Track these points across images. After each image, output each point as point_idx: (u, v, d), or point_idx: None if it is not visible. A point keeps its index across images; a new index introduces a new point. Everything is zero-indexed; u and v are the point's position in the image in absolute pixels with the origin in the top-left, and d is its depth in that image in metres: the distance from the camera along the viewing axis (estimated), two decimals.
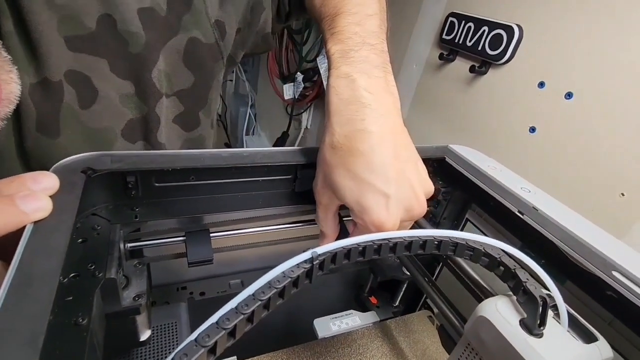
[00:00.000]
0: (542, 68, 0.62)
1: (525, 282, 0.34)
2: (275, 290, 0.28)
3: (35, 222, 0.27)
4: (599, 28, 0.54)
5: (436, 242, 0.39)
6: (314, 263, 0.32)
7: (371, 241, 0.35)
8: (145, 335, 0.38)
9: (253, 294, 0.27)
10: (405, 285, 0.64)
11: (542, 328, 0.32)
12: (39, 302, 0.22)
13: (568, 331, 0.34)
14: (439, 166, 0.56)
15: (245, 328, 0.27)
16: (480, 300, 0.47)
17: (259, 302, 0.27)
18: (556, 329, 0.33)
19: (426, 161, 0.55)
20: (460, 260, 0.48)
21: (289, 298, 0.31)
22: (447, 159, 0.53)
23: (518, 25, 0.64)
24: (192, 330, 0.47)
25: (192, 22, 0.42)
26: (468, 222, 0.59)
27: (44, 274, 0.24)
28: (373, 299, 0.67)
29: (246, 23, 0.49)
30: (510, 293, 0.37)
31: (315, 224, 0.52)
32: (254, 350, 0.49)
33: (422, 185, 0.39)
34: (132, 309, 0.34)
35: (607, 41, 0.53)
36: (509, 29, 0.65)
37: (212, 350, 0.24)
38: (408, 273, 0.61)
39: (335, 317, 0.59)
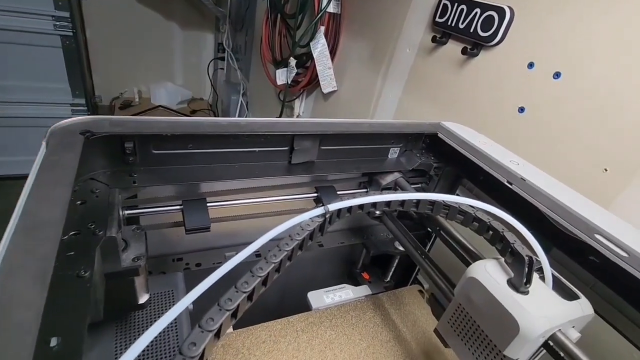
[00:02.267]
0: (532, 49, 0.64)
1: (513, 243, 0.36)
2: (297, 242, 0.30)
3: (38, 176, 0.27)
4: (587, 9, 0.56)
5: (429, 204, 0.41)
6: (327, 217, 0.34)
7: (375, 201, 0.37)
8: (143, 298, 0.38)
9: (279, 246, 0.30)
10: (397, 261, 0.65)
11: (527, 286, 0.34)
12: (45, 244, 0.23)
13: (552, 290, 0.36)
14: (432, 142, 0.58)
15: (274, 277, 0.29)
16: (467, 264, 0.48)
17: (285, 253, 0.29)
18: (541, 288, 0.35)
19: (419, 137, 0.57)
20: (452, 229, 0.49)
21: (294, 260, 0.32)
22: (440, 135, 0.55)
23: (509, 7, 0.66)
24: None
25: None
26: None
27: (48, 220, 0.24)
28: (365, 275, 0.68)
29: None
30: (499, 256, 0.38)
31: (310, 197, 0.52)
32: (248, 321, 0.50)
33: None
34: (132, 270, 0.34)
35: (595, 21, 0.55)
36: (500, 11, 0.66)
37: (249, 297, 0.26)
38: (400, 248, 0.63)
39: (329, 290, 0.60)
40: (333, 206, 0.36)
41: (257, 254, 0.55)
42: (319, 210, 0.35)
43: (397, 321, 0.58)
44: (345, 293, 0.61)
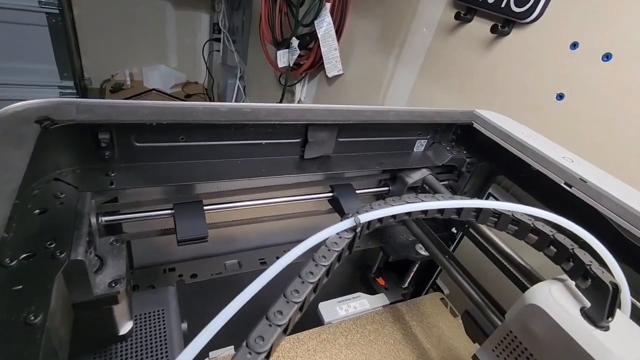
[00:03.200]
0: (576, 26, 0.55)
1: (589, 265, 0.29)
2: (324, 268, 0.23)
3: None
4: None
5: (474, 211, 0.34)
6: (357, 231, 0.27)
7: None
8: (125, 328, 0.31)
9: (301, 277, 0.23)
10: (416, 266, 0.58)
11: (609, 320, 0.27)
12: None
13: (634, 323, 0.29)
14: (463, 133, 0.50)
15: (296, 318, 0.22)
16: (514, 280, 0.41)
17: (310, 286, 0.22)
18: (623, 321, 0.28)
19: (449, 127, 0.49)
20: (487, 231, 0.42)
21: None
22: (475, 125, 0.47)
23: None
24: (183, 318, 0.40)
25: None
26: (490, 197, 0.54)
27: None
28: (380, 280, 0.62)
29: None
30: (563, 277, 0.31)
31: (324, 197, 0.45)
32: None
33: None
34: (108, 298, 0.27)
35: None
36: None
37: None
38: (423, 253, 0.56)
39: (342, 301, 0.53)
40: (364, 217, 0.28)
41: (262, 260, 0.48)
42: (348, 223, 0.28)
43: (420, 336, 0.51)
44: (360, 303, 0.54)
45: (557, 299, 0.29)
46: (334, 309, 0.52)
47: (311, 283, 0.24)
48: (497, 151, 0.45)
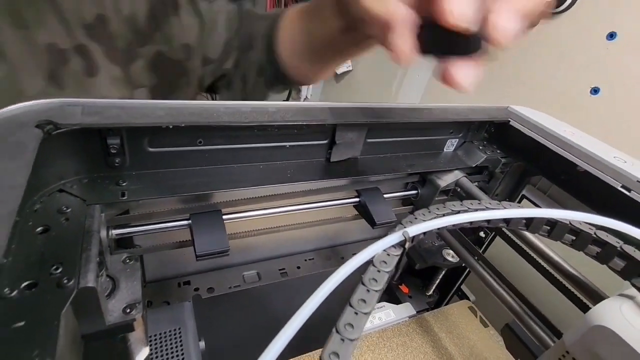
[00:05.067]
0: (613, 15, 0.51)
1: None
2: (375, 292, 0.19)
3: None
4: None
5: (525, 219, 0.30)
6: (405, 246, 0.23)
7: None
8: (142, 355, 0.27)
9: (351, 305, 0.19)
10: (443, 273, 0.55)
11: None
12: None
13: None
14: (497, 131, 0.46)
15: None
16: (562, 290, 0.38)
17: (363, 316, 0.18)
18: None
19: (482, 125, 0.46)
20: (525, 232, 0.39)
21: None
22: (512, 122, 0.43)
23: None
24: (200, 335, 0.37)
25: (163, 38, 0.45)
26: (524, 199, 0.50)
27: None
28: (404, 288, 0.58)
29: (218, 58, 0.50)
30: (634, 293, 0.28)
31: (350, 203, 0.41)
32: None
33: None
34: (123, 326, 0.24)
35: None
36: None
37: None
38: (450, 259, 0.52)
39: None
40: (413, 230, 0.25)
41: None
42: (396, 238, 0.24)
43: (450, 348, 0.48)
44: (385, 314, 0.51)
45: (629, 320, 0.26)
46: None
47: (365, 314, 0.20)
48: (536, 150, 0.42)
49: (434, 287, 0.57)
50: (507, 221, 0.31)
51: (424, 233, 0.28)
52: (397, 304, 0.54)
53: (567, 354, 0.30)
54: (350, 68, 1.18)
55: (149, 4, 0.43)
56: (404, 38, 0.24)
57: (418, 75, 0.90)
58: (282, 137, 0.34)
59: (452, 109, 0.41)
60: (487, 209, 0.29)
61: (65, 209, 0.24)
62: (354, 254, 0.41)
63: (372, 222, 0.40)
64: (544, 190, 0.47)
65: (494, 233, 0.54)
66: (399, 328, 0.49)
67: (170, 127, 0.26)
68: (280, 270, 0.45)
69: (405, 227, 0.25)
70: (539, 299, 0.40)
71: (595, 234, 0.29)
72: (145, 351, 0.28)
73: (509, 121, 0.43)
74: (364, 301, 0.21)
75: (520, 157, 0.46)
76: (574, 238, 0.30)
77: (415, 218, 0.27)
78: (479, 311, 0.55)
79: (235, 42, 0.51)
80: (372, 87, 1.09)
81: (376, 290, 0.21)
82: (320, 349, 0.19)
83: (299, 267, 0.45)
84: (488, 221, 0.30)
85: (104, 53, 0.40)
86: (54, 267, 0.21)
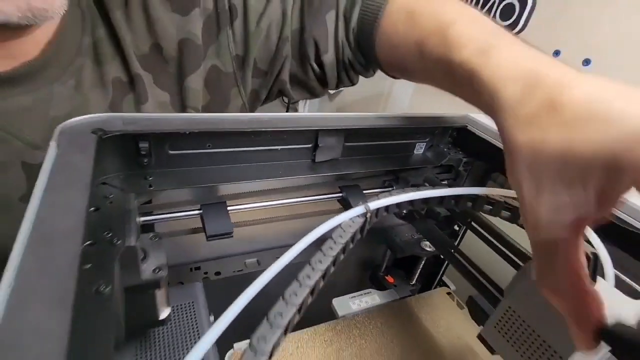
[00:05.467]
0: (557, 35, 0.61)
1: None
2: (341, 245, 0.27)
3: (50, 179, 0.24)
4: None
5: (470, 200, 0.38)
6: (367, 216, 0.31)
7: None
8: (164, 313, 0.35)
9: (323, 252, 0.26)
10: (423, 262, 0.62)
11: (593, 283, 0.31)
12: (62, 258, 0.19)
13: (617, 289, 0.32)
14: (459, 135, 0.54)
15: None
16: (514, 266, 0.45)
17: (331, 259, 0.26)
18: (604, 287, 0.32)
19: (446, 130, 0.54)
20: (489, 222, 0.46)
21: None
22: (469, 127, 0.52)
23: None
24: (210, 311, 0.44)
25: (215, 53, 0.50)
26: None
27: (65, 230, 0.21)
28: (389, 278, 0.65)
29: (267, 66, 0.53)
30: None
31: (334, 197, 0.49)
32: None
33: None
34: (153, 282, 0.31)
35: (628, 3, 0.52)
36: None
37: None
38: (428, 249, 0.59)
39: (354, 296, 0.57)
40: (373, 204, 0.33)
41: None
42: (360, 210, 0.32)
43: (429, 326, 0.54)
44: (371, 298, 0.58)
45: None
46: (347, 304, 0.56)
47: (332, 256, 0.28)
48: (491, 150, 0.49)
49: (416, 276, 0.64)
50: (456, 201, 0.38)
51: (386, 209, 0.35)
52: (383, 291, 0.61)
53: (510, 309, 0.37)
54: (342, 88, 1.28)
55: (203, 24, 0.47)
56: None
57: (401, 93, 1.00)
58: (274, 142, 0.42)
59: (416, 117, 0.50)
60: (435, 189, 0.36)
61: (109, 195, 0.32)
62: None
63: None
64: (502, 185, 0.55)
65: (465, 227, 0.61)
66: (383, 310, 0.56)
67: (187, 132, 0.34)
68: (276, 257, 0.52)
69: (367, 203, 0.33)
70: (499, 275, 0.47)
71: (505, 202, 0.36)
72: (167, 310, 0.35)
73: (467, 126, 0.51)
74: (331, 248, 0.28)
75: (479, 157, 0.53)
76: (509, 214, 0.38)
77: (378, 199, 0.35)
78: (456, 296, 0.61)
79: (292, 49, 0.52)
80: (362, 103, 1.19)
81: (341, 244, 0.29)
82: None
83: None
84: (441, 199, 0.37)
85: (153, 80, 0.45)
86: (106, 233, 0.28)
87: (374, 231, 0.63)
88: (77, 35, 0.44)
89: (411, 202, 0.36)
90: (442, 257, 0.63)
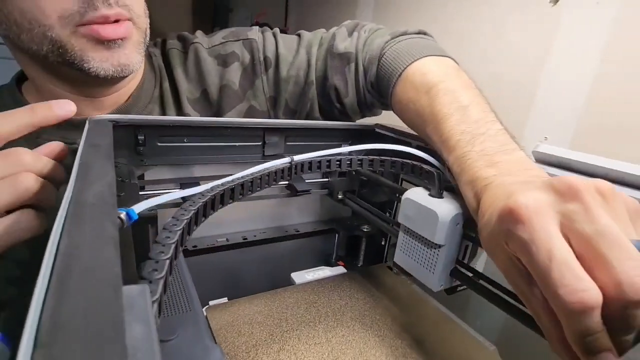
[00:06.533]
0: None
1: (426, 172, 0.50)
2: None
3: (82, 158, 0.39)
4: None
5: (358, 161, 0.55)
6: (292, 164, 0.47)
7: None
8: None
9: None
10: (364, 242, 0.76)
11: (441, 192, 0.47)
12: (108, 200, 0.23)
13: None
14: (371, 137, 0.74)
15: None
16: None
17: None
18: (448, 195, 0.48)
19: (360, 132, 0.73)
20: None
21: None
22: (377, 129, 0.71)
23: None
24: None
25: (252, 96, 0.66)
26: (403, 182, 0.75)
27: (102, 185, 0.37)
28: (341, 263, 0.78)
29: (296, 105, 0.68)
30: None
31: (282, 185, 0.65)
32: (240, 295, 0.59)
33: None
34: (150, 217, 0.45)
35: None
36: None
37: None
38: (364, 230, 0.74)
39: (309, 271, 0.70)
40: (298, 157, 0.49)
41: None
42: (286, 159, 0.49)
43: (371, 287, 0.67)
44: (323, 272, 0.70)
45: (417, 192, 0.49)
46: (302, 276, 0.68)
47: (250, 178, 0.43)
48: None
49: (362, 257, 0.77)
50: (349, 163, 0.55)
51: (310, 164, 0.52)
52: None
53: (402, 225, 0.52)
54: None
55: (241, 73, 0.63)
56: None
57: None
58: (232, 139, 0.59)
59: (341, 124, 0.69)
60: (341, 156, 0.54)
61: (119, 169, 0.48)
62: (296, 230, 0.67)
63: (295, 191, 0.63)
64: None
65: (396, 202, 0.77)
66: (333, 278, 0.68)
67: (171, 125, 0.52)
68: (243, 238, 0.66)
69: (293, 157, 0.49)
70: None
71: (402, 162, 0.54)
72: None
73: (375, 129, 0.71)
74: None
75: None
76: (392, 171, 0.55)
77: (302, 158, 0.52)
78: (395, 269, 0.75)
79: (317, 91, 0.66)
80: None
81: (264, 173, 0.45)
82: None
83: (255, 236, 0.67)
84: (338, 163, 0.54)
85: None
86: (119, 191, 0.43)
87: (325, 224, 0.78)
88: (150, 88, 0.63)
89: (328, 163, 0.53)
90: (384, 235, 0.78)
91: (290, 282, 0.67)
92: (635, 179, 0.44)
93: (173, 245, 0.28)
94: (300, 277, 0.68)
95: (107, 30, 0.49)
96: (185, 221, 0.32)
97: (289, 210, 0.72)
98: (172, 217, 0.33)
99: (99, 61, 0.51)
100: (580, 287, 0.21)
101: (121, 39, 0.51)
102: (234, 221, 0.67)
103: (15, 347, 0.12)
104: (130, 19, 0.52)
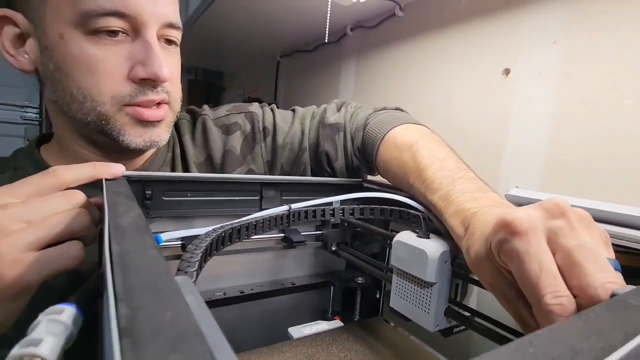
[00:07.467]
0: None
1: (413, 217, 0.55)
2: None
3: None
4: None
5: (340, 210, 0.59)
6: (290, 211, 0.51)
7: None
8: None
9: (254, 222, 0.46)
10: (359, 294, 0.77)
11: (428, 233, 0.51)
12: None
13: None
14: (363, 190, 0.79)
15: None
16: None
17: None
18: (434, 236, 0.52)
19: (350, 186, 0.79)
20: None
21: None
22: (364, 184, 0.77)
23: None
24: None
25: (252, 160, 0.74)
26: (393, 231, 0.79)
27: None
28: (337, 318, 0.77)
29: (290, 169, 0.76)
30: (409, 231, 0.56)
31: (279, 237, 0.68)
32: (237, 351, 0.58)
33: None
34: None
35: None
36: None
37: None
38: (358, 281, 0.76)
39: (306, 325, 0.69)
40: (295, 206, 0.54)
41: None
42: (284, 208, 0.53)
43: (370, 339, 0.66)
44: (320, 326, 0.70)
45: (406, 234, 0.53)
46: (300, 331, 0.67)
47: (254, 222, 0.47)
48: (382, 198, 0.74)
49: (357, 310, 0.77)
50: (341, 212, 0.60)
51: (306, 212, 0.56)
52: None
53: (395, 268, 0.54)
54: None
55: (242, 140, 0.71)
56: None
57: None
58: (232, 193, 0.63)
59: (332, 180, 0.75)
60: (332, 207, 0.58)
61: None
62: (292, 283, 0.70)
63: (291, 242, 0.66)
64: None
65: (388, 248, 0.79)
66: (330, 332, 0.68)
67: (175, 180, 0.56)
68: (240, 292, 0.66)
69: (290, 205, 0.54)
70: None
71: (390, 210, 0.59)
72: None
73: (362, 184, 0.77)
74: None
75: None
76: (382, 217, 0.59)
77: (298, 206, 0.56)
78: (392, 322, 0.75)
79: (309, 156, 0.73)
80: None
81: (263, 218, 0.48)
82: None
83: (252, 289, 0.67)
84: (332, 213, 0.59)
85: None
86: None
87: (320, 276, 0.80)
88: (164, 153, 0.72)
89: (322, 212, 0.57)
90: (378, 287, 0.79)
91: (288, 337, 0.66)
92: (599, 214, 0.50)
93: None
94: (297, 331, 0.67)
95: (149, 113, 0.58)
96: (200, 254, 0.35)
97: (285, 263, 0.74)
98: (185, 252, 0.36)
99: (134, 136, 0.58)
100: (562, 293, 0.25)
101: (158, 121, 0.58)
102: (231, 275, 0.68)
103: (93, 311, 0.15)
104: (168, 102, 0.61)
